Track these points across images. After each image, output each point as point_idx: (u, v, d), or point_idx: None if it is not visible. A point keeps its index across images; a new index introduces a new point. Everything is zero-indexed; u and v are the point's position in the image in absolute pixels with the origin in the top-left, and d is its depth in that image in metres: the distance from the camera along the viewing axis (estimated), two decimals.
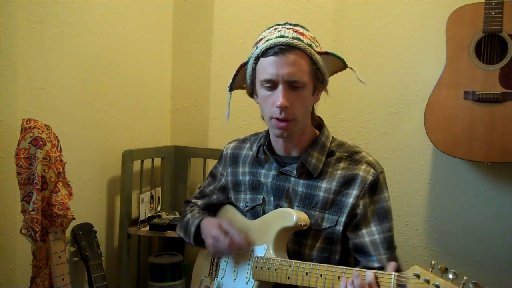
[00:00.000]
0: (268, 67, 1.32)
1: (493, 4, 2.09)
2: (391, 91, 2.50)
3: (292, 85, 1.31)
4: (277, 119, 1.33)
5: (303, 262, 1.29)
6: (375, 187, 1.37)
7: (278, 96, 1.31)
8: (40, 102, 1.93)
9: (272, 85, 1.32)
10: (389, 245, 1.37)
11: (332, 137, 1.48)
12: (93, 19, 2.16)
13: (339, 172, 1.39)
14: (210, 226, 1.48)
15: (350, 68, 1.43)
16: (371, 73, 2.53)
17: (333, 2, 2.58)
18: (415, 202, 2.47)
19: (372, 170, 1.38)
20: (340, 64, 1.42)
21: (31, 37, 1.87)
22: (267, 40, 1.33)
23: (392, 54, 2.49)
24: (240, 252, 1.46)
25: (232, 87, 1.45)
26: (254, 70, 1.37)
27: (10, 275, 1.86)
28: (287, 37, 1.31)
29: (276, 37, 1.32)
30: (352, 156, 1.41)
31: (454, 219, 2.41)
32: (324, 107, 2.68)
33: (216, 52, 2.59)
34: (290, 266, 1.30)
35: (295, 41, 1.31)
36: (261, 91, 1.36)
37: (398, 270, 1.33)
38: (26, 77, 1.86)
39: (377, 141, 2.53)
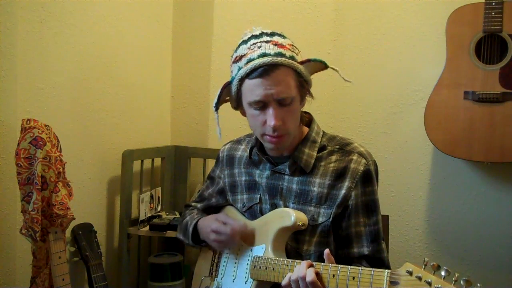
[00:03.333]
0: (255, 89, 1.31)
1: (493, 4, 2.09)
2: (391, 91, 2.50)
3: (281, 103, 1.31)
4: (271, 136, 1.34)
5: (300, 261, 1.29)
6: (367, 178, 1.39)
7: (270, 117, 1.31)
8: (40, 102, 1.93)
9: (261, 105, 1.32)
10: (374, 238, 1.39)
11: (323, 131, 1.48)
12: (93, 19, 2.16)
13: (331, 165, 1.40)
14: (207, 223, 1.49)
15: (332, 68, 1.41)
16: (371, 73, 2.53)
17: (333, 2, 2.58)
18: (415, 202, 2.47)
19: (363, 161, 1.39)
20: (321, 65, 1.40)
21: (31, 37, 1.87)
22: (249, 60, 1.31)
23: (392, 54, 2.49)
24: (241, 249, 1.47)
25: (218, 107, 1.43)
26: (239, 90, 1.36)
27: (10, 275, 1.86)
28: (270, 54, 1.30)
29: (259, 56, 1.30)
30: (344, 148, 1.42)
31: (454, 219, 2.41)
32: (324, 107, 2.68)
33: (216, 52, 2.58)
34: (287, 265, 1.31)
35: (278, 58, 1.29)
36: (250, 111, 1.36)
37: (380, 261, 1.38)
38: (26, 77, 1.86)
39: (377, 141, 2.53)
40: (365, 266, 1.35)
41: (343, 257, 1.39)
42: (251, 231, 1.46)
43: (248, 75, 1.31)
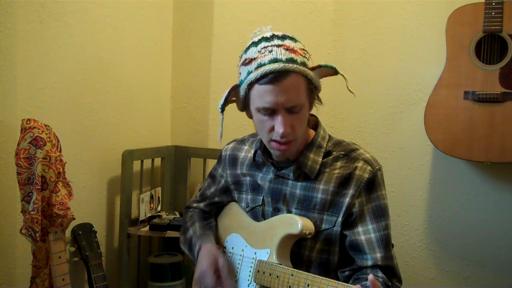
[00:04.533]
0: (265, 96, 1.28)
1: (493, 4, 2.09)
2: (391, 91, 2.50)
3: (290, 111, 1.30)
4: (278, 142, 1.32)
5: (305, 273, 1.27)
6: (372, 185, 1.37)
7: (279, 124, 1.29)
8: (40, 102, 1.93)
9: (270, 112, 1.30)
10: (385, 243, 1.36)
11: (329, 135, 1.47)
12: (93, 19, 2.16)
13: (336, 171, 1.38)
14: (204, 258, 1.44)
15: (342, 75, 1.39)
16: (371, 73, 2.53)
17: (333, 2, 2.58)
18: (415, 202, 2.47)
19: (368, 168, 1.37)
20: (331, 70, 1.38)
21: (31, 37, 1.87)
22: (259, 65, 1.28)
23: (392, 54, 2.49)
24: (244, 250, 1.46)
25: (223, 108, 1.40)
26: (247, 94, 1.33)
27: (10, 275, 1.86)
28: (281, 60, 1.26)
29: (270, 62, 1.27)
30: (349, 154, 1.40)
31: (454, 219, 2.41)
32: (324, 107, 2.67)
33: (216, 52, 2.58)
34: (292, 275, 1.28)
35: (290, 65, 1.26)
36: (257, 116, 1.34)
37: (391, 269, 1.37)
38: (26, 77, 1.86)
39: (377, 141, 2.53)
40: (381, 277, 1.32)
41: (355, 268, 1.37)
42: (255, 234, 1.46)
43: (258, 80, 1.28)
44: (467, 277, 2.37)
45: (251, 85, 1.30)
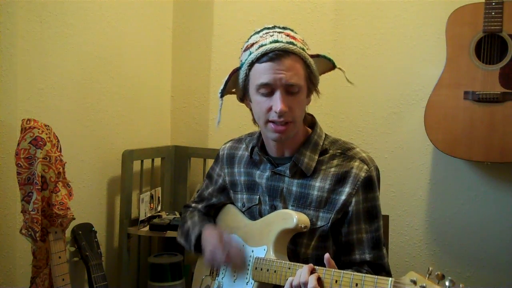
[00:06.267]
0: (264, 73, 1.31)
1: (493, 4, 2.09)
2: (391, 91, 2.50)
3: (289, 90, 1.31)
4: (275, 122, 1.33)
5: (302, 264, 1.28)
6: (368, 185, 1.38)
7: (277, 102, 1.30)
8: (40, 102, 1.93)
9: (269, 90, 1.32)
10: (375, 244, 1.39)
11: (326, 134, 1.48)
12: (93, 19, 2.16)
13: (332, 169, 1.39)
14: (210, 237, 1.45)
15: (339, 68, 1.42)
16: (371, 73, 2.53)
17: (333, 2, 2.58)
18: (415, 202, 2.47)
19: (365, 167, 1.38)
20: (329, 65, 1.42)
21: (31, 37, 1.87)
22: (261, 46, 1.32)
23: (392, 54, 2.49)
24: (242, 250, 1.46)
25: (223, 93, 1.43)
26: (247, 76, 1.36)
27: (10, 275, 1.86)
28: (281, 41, 1.31)
29: (270, 42, 1.31)
30: (346, 153, 1.41)
31: (454, 219, 2.41)
32: (325, 107, 2.68)
33: (216, 52, 2.59)
34: (289, 268, 1.29)
35: (289, 45, 1.30)
36: (256, 97, 1.35)
37: (381, 267, 1.39)
38: (26, 77, 1.86)
39: (377, 141, 2.53)
40: (367, 272, 1.36)
41: (345, 263, 1.39)
42: (252, 232, 1.46)
43: (258, 59, 1.32)
44: (467, 277, 2.37)
45: (251, 65, 1.34)
